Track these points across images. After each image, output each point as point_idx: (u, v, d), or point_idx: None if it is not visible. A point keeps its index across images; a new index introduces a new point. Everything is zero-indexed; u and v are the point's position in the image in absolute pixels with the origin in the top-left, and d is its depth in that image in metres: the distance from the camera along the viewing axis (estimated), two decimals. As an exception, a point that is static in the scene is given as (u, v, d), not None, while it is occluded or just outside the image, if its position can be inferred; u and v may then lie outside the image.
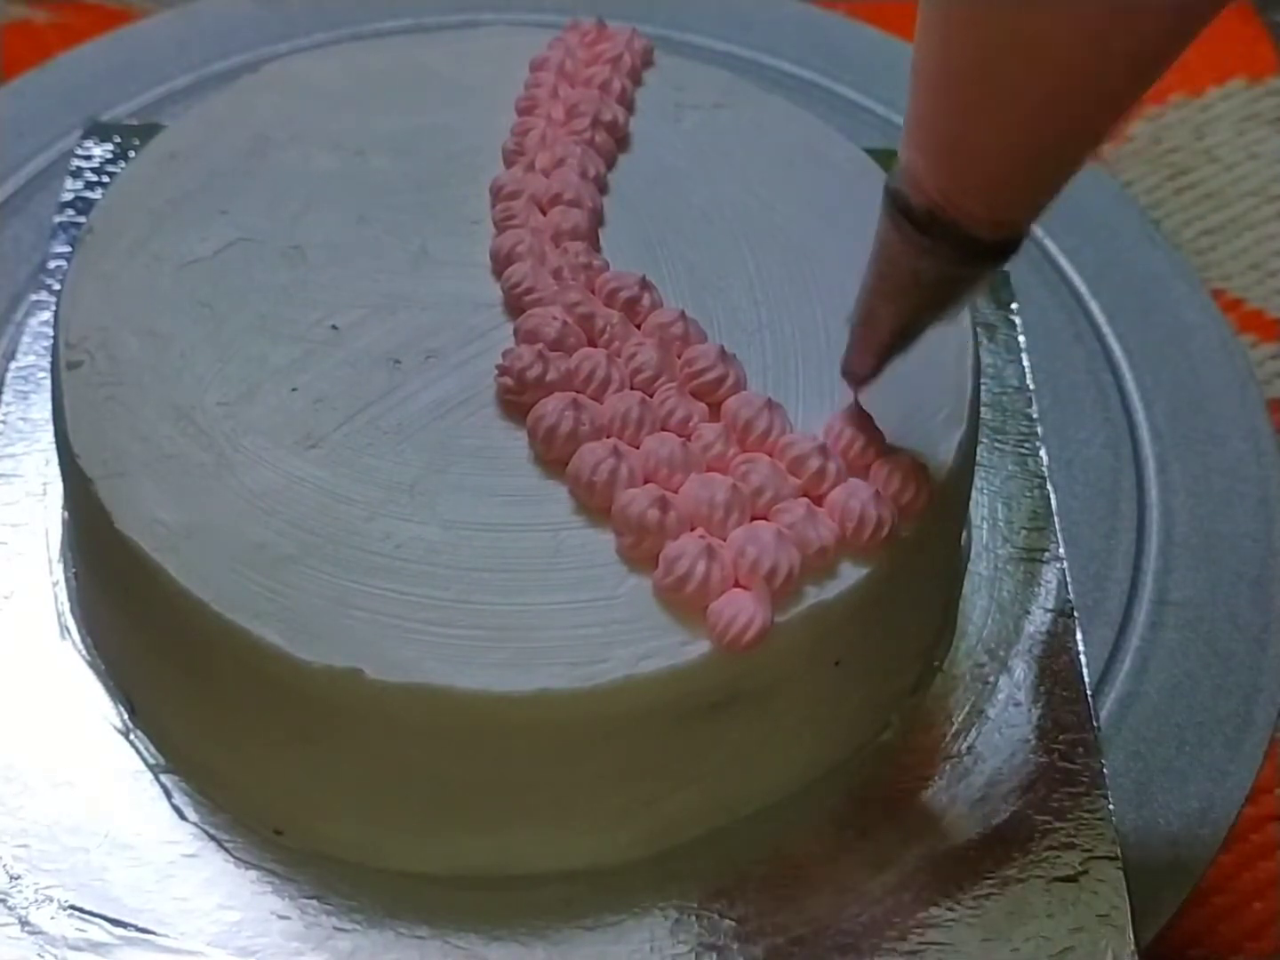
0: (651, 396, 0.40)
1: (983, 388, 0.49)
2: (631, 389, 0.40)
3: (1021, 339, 0.53)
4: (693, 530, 0.38)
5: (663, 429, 0.40)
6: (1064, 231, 0.57)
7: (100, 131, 0.56)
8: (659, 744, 0.38)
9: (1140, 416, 0.52)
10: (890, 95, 0.61)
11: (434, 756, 0.37)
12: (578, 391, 0.40)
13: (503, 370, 0.40)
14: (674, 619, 0.37)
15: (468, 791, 0.38)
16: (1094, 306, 0.55)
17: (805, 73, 0.61)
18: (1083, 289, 0.56)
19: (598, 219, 0.45)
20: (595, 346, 0.41)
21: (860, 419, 0.40)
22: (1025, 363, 0.52)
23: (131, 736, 0.42)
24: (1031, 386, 0.51)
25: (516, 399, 0.40)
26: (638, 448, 0.39)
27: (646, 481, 0.39)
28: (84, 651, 0.43)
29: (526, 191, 0.45)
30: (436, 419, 0.40)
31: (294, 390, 0.41)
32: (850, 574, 0.38)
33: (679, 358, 0.41)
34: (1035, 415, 0.51)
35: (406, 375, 0.41)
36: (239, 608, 0.37)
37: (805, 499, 0.39)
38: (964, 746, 0.43)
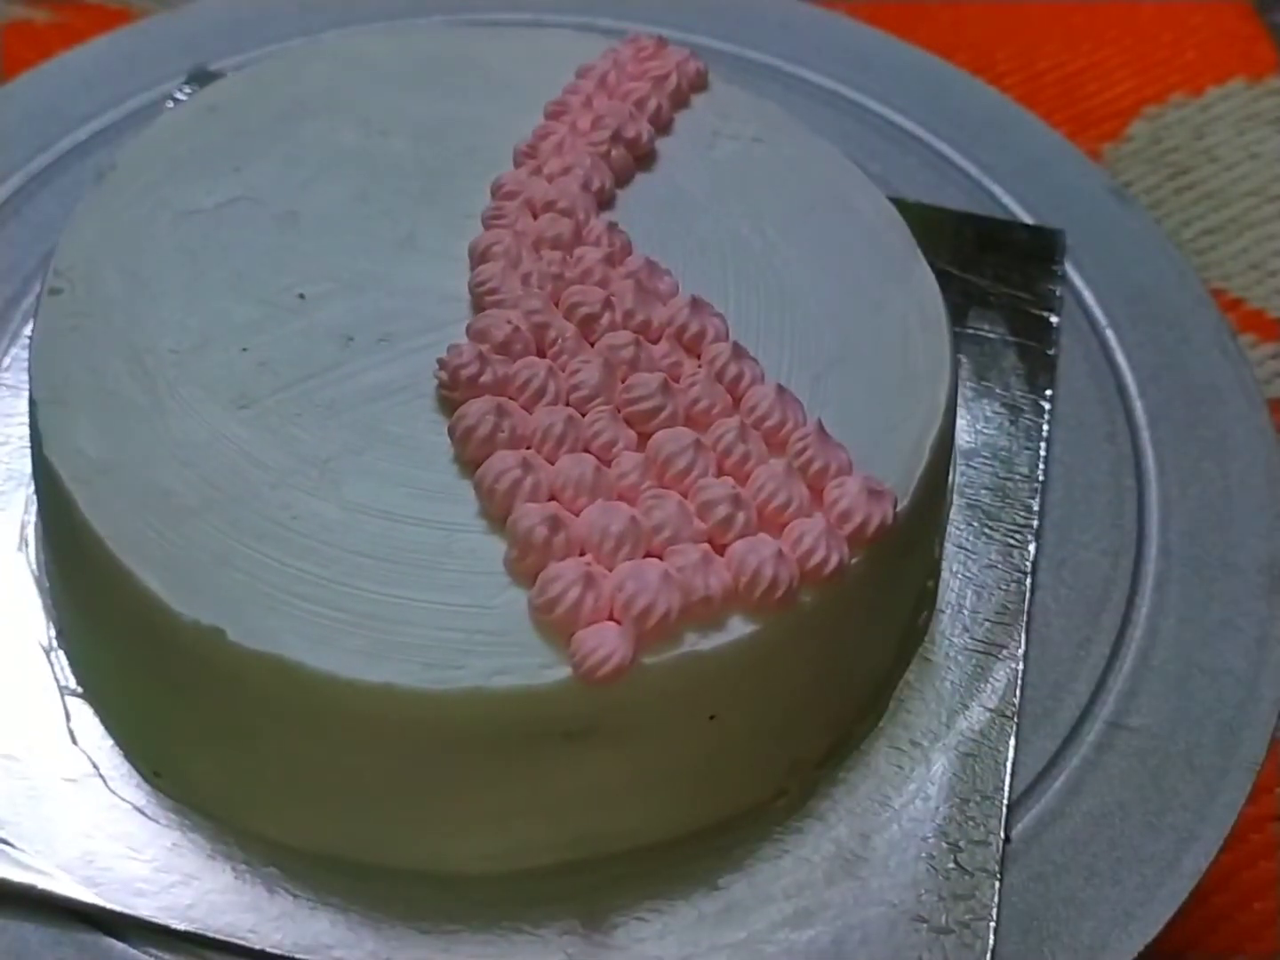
0: (584, 415, 0.40)
1: (989, 471, 0.48)
2: (566, 404, 0.40)
3: (1045, 427, 0.50)
4: (581, 555, 0.37)
5: (585, 449, 0.39)
6: (1129, 324, 0.54)
7: (203, 79, 0.58)
8: (507, 762, 0.37)
9: (1153, 531, 0.49)
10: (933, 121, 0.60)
11: (284, 729, 0.38)
12: (510, 398, 0.40)
13: (441, 364, 0.40)
14: (540, 640, 0.37)
15: (316, 770, 0.38)
16: (1138, 407, 0.52)
17: (866, 100, 0.60)
18: (1132, 388, 0.53)
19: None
20: (543, 357, 0.41)
21: (789, 476, 0.39)
22: (1042, 452, 0.50)
23: (52, 655, 0.43)
24: (1041, 478, 0.49)
25: (449, 395, 0.40)
26: (554, 463, 0.39)
27: (552, 498, 0.38)
28: (33, 567, 0.45)
29: (524, 194, 0.44)
30: (370, 401, 0.41)
31: (244, 350, 0.41)
32: (737, 629, 0.37)
33: (623, 381, 0.40)
34: (1035, 508, 0.48)
35: (355, 354, 0.42)
36: (130, 550, 0.38)
37: (706, 545, 0.38)
38: (856, 831, 0.41)
